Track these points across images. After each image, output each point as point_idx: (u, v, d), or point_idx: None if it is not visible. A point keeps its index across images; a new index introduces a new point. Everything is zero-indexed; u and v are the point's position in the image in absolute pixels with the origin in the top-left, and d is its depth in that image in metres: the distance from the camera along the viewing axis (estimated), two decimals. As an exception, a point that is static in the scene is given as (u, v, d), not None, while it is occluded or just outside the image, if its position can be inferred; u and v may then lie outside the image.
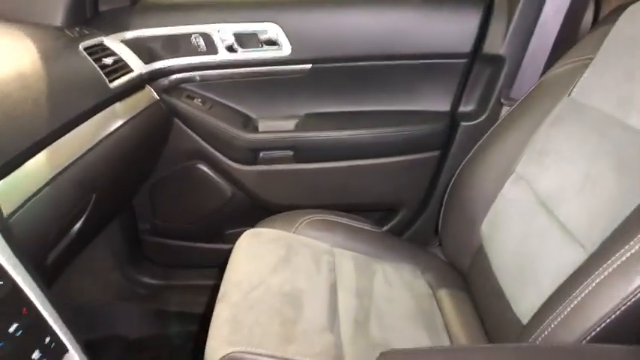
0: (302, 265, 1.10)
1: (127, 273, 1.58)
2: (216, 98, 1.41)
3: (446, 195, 1.27)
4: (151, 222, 1.56)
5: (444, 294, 1.14)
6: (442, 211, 1.29)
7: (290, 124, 1.42)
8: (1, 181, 0.72)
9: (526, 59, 1.29)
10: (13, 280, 0.65)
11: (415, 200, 1.48)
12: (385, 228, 1.50)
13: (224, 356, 0.85)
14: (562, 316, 0.69)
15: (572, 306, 0.69)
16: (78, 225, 0.99)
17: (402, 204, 1.50)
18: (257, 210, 1.47)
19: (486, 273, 1.03)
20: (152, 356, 1.44)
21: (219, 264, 1.06)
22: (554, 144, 0.98)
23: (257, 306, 0.96)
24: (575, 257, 0.78)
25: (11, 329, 0.62)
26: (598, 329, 0.64)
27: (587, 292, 0.68)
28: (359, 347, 0.93)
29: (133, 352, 1.47)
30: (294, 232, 1.21)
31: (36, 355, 0.64)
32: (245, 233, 1.19)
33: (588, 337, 0.65)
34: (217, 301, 0.99)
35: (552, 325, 0.70)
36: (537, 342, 0.71)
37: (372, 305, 1.05)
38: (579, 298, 0.68)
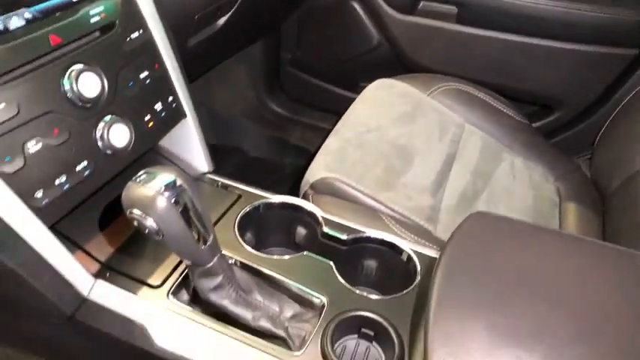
0: (425, 127, 1.02)
1: (260, 96, 1.66)
2: None
3: (622, 104, 1.05)
4: (293, 53, 1.57)
5: (571, 207, 1.00)
6: (609, 121, 1.07)
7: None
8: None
9: None
10: (150, 34, 0.68)
11: (581, 102, 1.25)
12: (533, 125, 1.31)
13: (320, 179, 0.86)
14: None
15: None
16: (224, 19, 1.01)
17: (562, 103, 1.29)
18: (397, 68, 1.38)
19: (635, 203, 0.86)
20: (265, 176, 1.55)
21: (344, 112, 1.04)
22: None
23: (367, 146, 0.93)
24: None
25: (142, 75, 0.66)
26: None
27: None
28: (456, 218, 0.87)
29: (250, 167, 1.59)
30: (427, 95, 1.11)
31: (158, 106, 0.69)
32: (376, 81, 1.13)
33: None
34: (330, 134, 0.99)
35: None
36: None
37: (485, 188, 0.96)
38: None
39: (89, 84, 0.58)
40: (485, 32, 1.23)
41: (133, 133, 0.64)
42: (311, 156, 0.94)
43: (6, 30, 0.52)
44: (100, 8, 0.61)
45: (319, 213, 0.71)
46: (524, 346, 0.38)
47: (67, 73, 0.56)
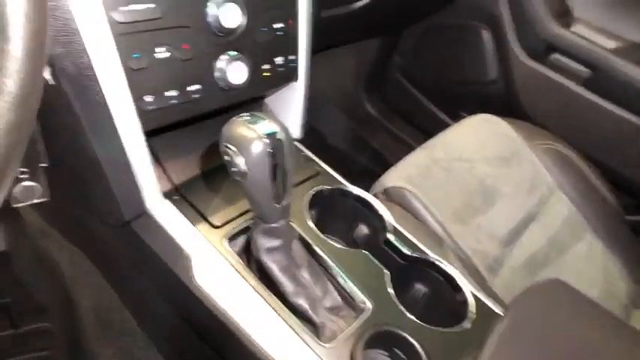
0: (517, 176, 0.97)
1: (358, 91, 1.65)
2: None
3: None
4: (405, 60, 1.54)
5: None
6: None
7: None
8: None
9: None
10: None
11: None
12: (627, 217, 1.21)
13: (396, 186, 0.84)
14: None
15: None
16: (362, 2, 1.01)
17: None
18: (504, 108, 1.32)
19: None
20: (334, 165, 1.54)
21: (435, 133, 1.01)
22: None
23: (453, 173, 0.90)
24: None
25: (275, 25, 0.67)
26: None
27: None
28: (518, 278, 0.83)
29: (324, 152, 1.59)
30: (529, 146, 1.06)
31: (279, 60, 0.69)
32: (482, 115, 1.09)
33: None
34: (419, 148, 0.96)
35: None
36: None
37: (556, 260, 0.90)
38: None
39: (230, 14, 0.58)
40: (611, 106, 1.15)
41: (249, 76, 0.64)
42: (386, 164, 0.92)
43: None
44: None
45: (390, 219, 0.69)
46: None
47: None
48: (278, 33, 0.67)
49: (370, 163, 1.59)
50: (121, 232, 0.65)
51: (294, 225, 0.64)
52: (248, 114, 0.51)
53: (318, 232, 0.64)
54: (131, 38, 0.52)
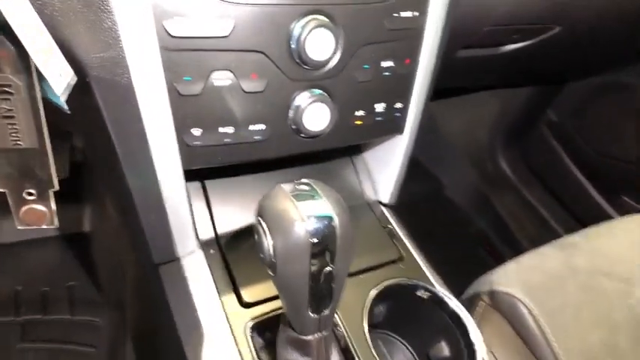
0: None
1: (493, 141, 1.40)
2: None
3: None
4: (560, 117, 1.26)
5: None
6: None
7: None
8: None
9: None
10: (423, 22, 0.52)
11: None
12: None
13: (509, 294, 0.62)
14: None
15: None
16: (516, 45, 0.80)
17: None
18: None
19: None
20: (440, 226, 1.33)
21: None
22: None
23: (596, 294, 0.65)
24: None
25: (385, 63, 0.51)
26: None
27: None
28: None
29: (427, 202, 1.38)
30: None
31: (379, 107, 0.54)
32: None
33: None
34: (553, 243, 0.72)
35: None
36: None
37: None
38: None
39: (320, 43, 0.44)
40: None
41: (332, 123, 0.49)
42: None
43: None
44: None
45: (482, 352, 0.49)
46: None
47: (303, 19, 0.44)
48: (385, 74, 0.51)
49: (486, 228, 1.34)
50: (152, 271, 0.55)
51: (344, 327, 0.48)
52: (303, 181, 0.37)
53: (373, 351, 0.47)
54: (184, 56, 0.41)
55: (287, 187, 0.36)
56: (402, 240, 0.59)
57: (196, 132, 0.45)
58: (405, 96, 0.55)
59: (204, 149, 0.46)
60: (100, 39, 0.38)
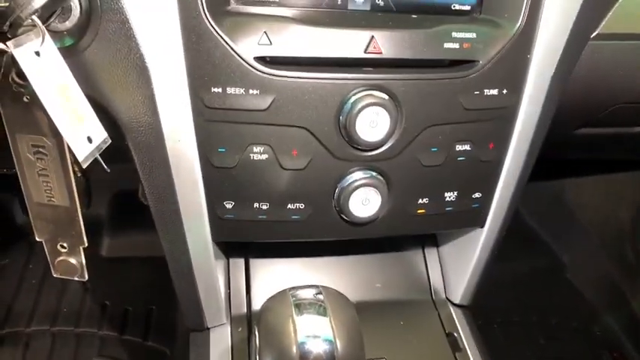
0: None
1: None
2: None
3: None
4: None
5: None
6: None
7: None
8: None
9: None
10: (516, 101, 0.43)
11: None
12: None
13: None
14: None
15: None
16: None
17: None
18: None
19: None
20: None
21: None
22: None
23: None
24: None
25: (460, 147, 0.43)
26: None
27: None
28: None
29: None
30: None
31: (450, 195, 0.45)
32: None
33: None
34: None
35: None
36: None
37: None
38: None
39: (374, 123, 0.38)
40: None
41: (383, 209, 0.42)
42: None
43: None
44: (469, 35, 0.39)
45: None
46: None
47: (356, 95, 0.38)
48: (461, 159, 0.43)
49: (617, 331, 1.10)
50: (186, 334, 0.53)
51: None
52: (313, 290, 0.31)
53: None
54: (219, 127, 0.38)
55: (292, 294, 0.31)
56: (468, 355, 0.49)
57: (229, 205, 0.41)
58: (487, 185, 0.46)
59: (236, 223, 0.42)
60: (139, 105, 0.37)
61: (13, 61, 0.32)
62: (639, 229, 1.18)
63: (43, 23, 0.33)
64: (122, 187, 1.05)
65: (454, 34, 0.39)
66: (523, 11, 0.40)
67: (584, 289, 1.20)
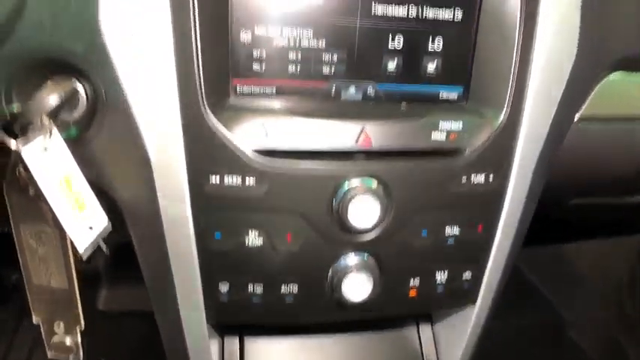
0: None
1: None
2: None
3: None
4: None
5: None
6: None
7: None
8: None
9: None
10: (505, 185, 0.44)
11: None
12: None
13: None
14: None
15: None
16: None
17: None
18: None
19: None
20: None
21: None
22: None
23: None
24: None
25: (449, 231, 0.44)
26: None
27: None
28: None
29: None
30: None
31: (440, 276, 0.46)
32: None
33: None
34: None
35: None
36: None
37: None
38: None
39: (364, 211, 0.40)
40: None
41: (376, 292, 0.43)
42: None
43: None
44: (456, 125, 0.41)
45: None
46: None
47: (348, 184, 0.40)
48: (450, 242, 0.44)
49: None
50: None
51: None
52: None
53: None
54: (217, 215, 0.40)
55: None
56: None
57: (224, 288, 0.42)
58: (476, 264, 0.47)
59: (230, 306, 0.43)
60: (140, 194, 0.39)
61: (20, 158, 0.33)
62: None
63: (52, 118, 0.35)
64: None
65: (441, 125, 0.41)
66: (507, 100, 0.42)
67: (583, 345, 1.18)
